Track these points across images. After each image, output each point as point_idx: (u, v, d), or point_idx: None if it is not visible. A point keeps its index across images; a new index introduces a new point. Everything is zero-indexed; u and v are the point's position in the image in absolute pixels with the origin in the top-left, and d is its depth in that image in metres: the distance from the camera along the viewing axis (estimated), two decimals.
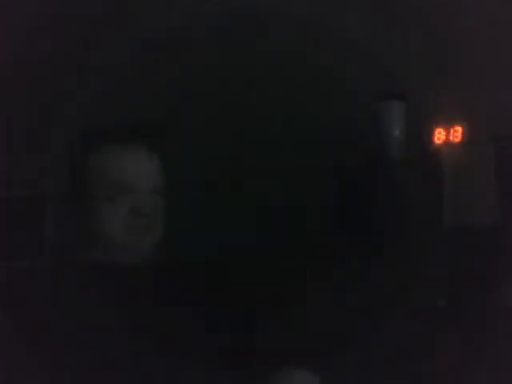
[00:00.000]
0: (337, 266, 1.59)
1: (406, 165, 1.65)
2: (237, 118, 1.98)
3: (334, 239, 1.68)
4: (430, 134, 1.66)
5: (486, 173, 1.52)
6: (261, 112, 1.97)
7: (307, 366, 1.06)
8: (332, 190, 1.74)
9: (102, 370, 1.03)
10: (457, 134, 1.63)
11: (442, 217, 1.55)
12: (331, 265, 1.62)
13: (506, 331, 1.40)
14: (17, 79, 2.07)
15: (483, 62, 1.73)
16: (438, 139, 1.65)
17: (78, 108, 2.02)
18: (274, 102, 1.97)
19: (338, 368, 1.34)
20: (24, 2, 2.07)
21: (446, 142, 1.63)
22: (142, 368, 1.04)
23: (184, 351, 1.06)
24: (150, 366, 1.05)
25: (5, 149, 2.05)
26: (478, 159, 1.54)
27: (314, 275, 1.68)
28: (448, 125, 1.64)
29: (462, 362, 1.42)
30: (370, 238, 1.64)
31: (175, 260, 1.22)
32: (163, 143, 1.26)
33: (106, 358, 1.04)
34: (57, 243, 1.68)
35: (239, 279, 1.25)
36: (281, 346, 1.08)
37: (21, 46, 2.08)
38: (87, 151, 1.21)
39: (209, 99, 2.01)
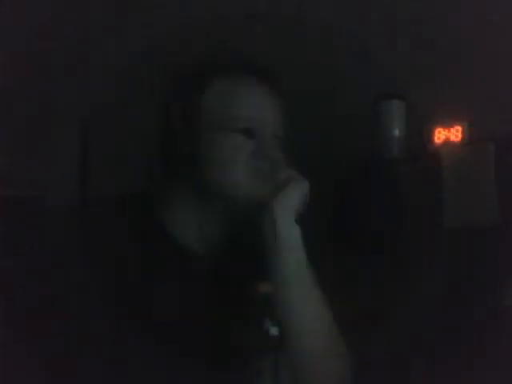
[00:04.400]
0: (337, 266, 1.59)
1: (406, 165, 1.65)
2: None
3: (334, 239, 1.68)
4: (430, 134, 1.66)
5: (486, 173, 1.52)
6: None
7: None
8: (332, 190, 1.74)
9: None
10: (457, 133, 1.63)
11: (441, 217, 1.55)
12: (331, 265, 1.62)
13: (505, 331, 1.40)
14: (17, 79, 2.07)
15: (483, 62, 1.73)
16: (438, 139, 1.65)
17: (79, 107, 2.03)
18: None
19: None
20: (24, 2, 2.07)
21: (446, 142, 1.63)
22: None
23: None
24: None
25: (5, 149, 2.05)
26: (478, 159, 1.54)
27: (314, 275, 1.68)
28: (448, 125, 1.64)
29: (461, 361, 1.42)
30: (369, 238, 1.64)
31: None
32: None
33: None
34: None
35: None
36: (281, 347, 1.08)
37: (21, 45, 2.08)
38: (203, 85, 1.07)
39: None
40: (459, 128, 1.63)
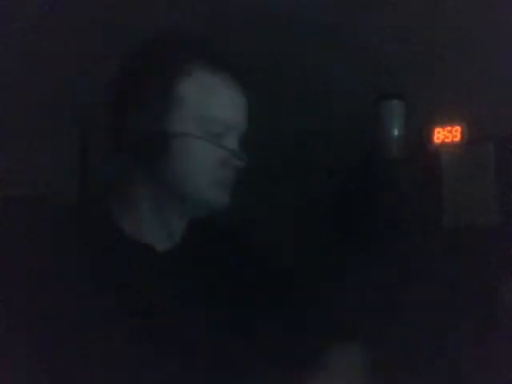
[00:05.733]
0: (336, 265, 1.59)
1: (406, 165, 1.65)
2: None
3: (334, 239, 1.68)
4: (430, 134, 1.66)
5: (486, 173, 1.52)
6: (260, 111, 1.97)
7: (308, 366, 1.06)
8: (331, 190, 1.74)
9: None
10: (457, 133, 1.63)
11: (441, 217, 1.55)
12: (331, 264, 1.62)
13: (505, 331, 1.40)
14: (16, 78, 2.07)
15: (483, 62, 1.73)
16: (438, 139, 1.65)
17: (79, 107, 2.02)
18: (274, 102, 1.97)
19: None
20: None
21: (446, 142, 1.63)
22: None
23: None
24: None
25: (5, 149, 2.05)
26: (478, 159, 1.54)
27: (314, 275, 1.68)
28: (448, 125, 1.64)
29: (461, 361, 1.42)
30: (369, 238, 1.64)
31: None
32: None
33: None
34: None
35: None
36: (280, 347, 1.08)
37: (21, 45, 2.08)
38: (177, 74, 0.95)
39: None
40: (459, 128, 1.63)
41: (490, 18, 1.73)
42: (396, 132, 1.69)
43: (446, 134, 1.64)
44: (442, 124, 1.65)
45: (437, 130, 1.65)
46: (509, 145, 1.53)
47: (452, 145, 1.62)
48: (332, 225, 1.76)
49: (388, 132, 1.69)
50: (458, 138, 1.63)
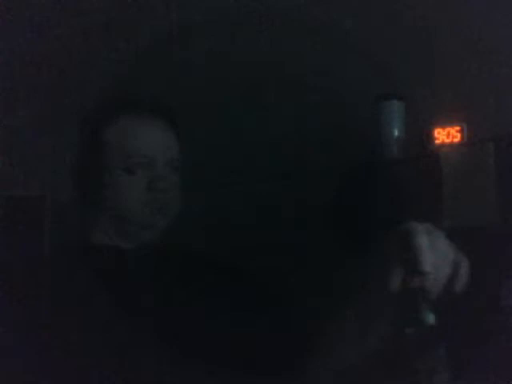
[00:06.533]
0: (336, 265, 1.59)
1: (406, 165, 1.65)
2: (235, 117, 1.99)
3: (334, 239, 1.68)
4: (430, 134, 1.66)
5: (486, 173, 1.52)
6: (260, 111, 1.98)
7: (307, 366, 1.06)
8: (331, 190, 1.74)
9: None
10: (456, 134, 1.63)
11: (441, 217, 1.55)
12: (330, 264, 1.62)
13: (505, 331, 1.40)
14: (16, 78, 2.07)
15: (483, 62, 1.73)
16: (438, 139, 1.65)
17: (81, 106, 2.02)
18: (274, 102, 1.97)
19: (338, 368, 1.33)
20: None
21: (446, 142, 1.63)
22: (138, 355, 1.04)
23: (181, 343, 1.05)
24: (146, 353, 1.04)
25: (5, 149, 2.05)
26: (478, 159, 1.54)
27: (314, 275, 1.68)
28: (448, 125, 1.64)
29: (460, 361, 1.42)
30: (369, 239, 1.64)
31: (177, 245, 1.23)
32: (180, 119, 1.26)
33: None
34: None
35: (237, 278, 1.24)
36: (280, 346, 1.08)
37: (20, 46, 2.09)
38: (104, 123, 1.21)
39: (208, 98, 2.01)
40: (459, 128, 1.63)
41: (490, 17, 1.73)
42: (396, 132, 1.69)
43: (447, 135, 1.64)
44: (442, 124, 1.65)
45: (437, 130, 1.65)
46: (509, 145, 1.52)
47: (452, 145, 1.62)
48: (332, 225, 1.76)
49: (388, 132, 1.69)
50: (458, 139, 1.63)
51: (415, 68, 1.81)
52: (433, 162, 1.59)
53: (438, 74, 1.79)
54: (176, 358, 1.02)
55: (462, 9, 1.78)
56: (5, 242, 1.89)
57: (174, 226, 1.22)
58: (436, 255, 0.87)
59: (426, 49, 1.82)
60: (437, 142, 1.65)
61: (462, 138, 1.62)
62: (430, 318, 0.85)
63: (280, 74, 1.99)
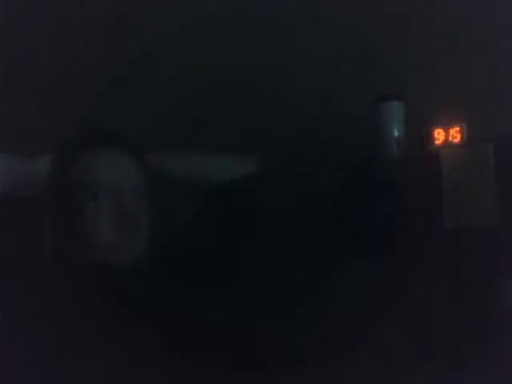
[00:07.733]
0: (336, 265, 1.59)
1: (405, 165, 1.65)
2: (234, 117, 1.99)
3: (334, 239, 1.68)
4: (430, 135, 1.66)
5: (486, 173, 1.52)
6: (260, 112, 1.97)
7: (308, 366, 1.06)
8: (331, 190, 1.74)
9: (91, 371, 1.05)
10: (456, 134, 1.63)
11: (441, 217, 1.55)
12: (331, 264, 1.62)
13: (505, 332, 1.40)
14: (16, 79, 2.06)
15: (483, 62, 1.73)
16: (438, 139, 1.65)
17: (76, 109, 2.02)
18: (274, 102, 1.97)
19: (339, 367, 1.34)
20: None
21: (446, 143, 1.63)
22: (134, 368, 1.06)
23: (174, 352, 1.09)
24: (144, 366, 1.06)
25: (5, 148, 2.05)
26: (478, 159, 1.54)
27: (314, 275, 1.68)
28: (448, 125, 1.64)
29: (461, 362, 1.42)
30: (369, 239, 1.64)
31: (159, 261, 1.27)
32: (147, 145, 1.35)
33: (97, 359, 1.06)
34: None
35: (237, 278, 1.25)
36: (281, 346, 1.08)
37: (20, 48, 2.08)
38: (70, 153, 1.30)
39: (206, 98, 2.01)
40: (459, 129, 1.63)
41: (490, 17, 1.73)
42: (396, 133, 1.69)
43: (446, 135, 1.64)
44: (442, 125, 1.65)
45: (437, 130, 1.65)
46: (508, 146, 1.52)
47: (452, 145, 1.62)
48: (332, 225, 1.76)
49: (388, 133, 1.70)
50: (458, 139, 1.63)
51: (415, 68, 1.81)
52: (433, 162, 1.59)
53: (438, 74, 1.79)
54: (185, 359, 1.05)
55: (462, 9, 1.78)
56: (4, 242, 1.89)
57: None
58: None
59: (426, 49, 1.82)
60: (437, 142, 1.65)
61: (462, 138, 1.62)
62: None
63: (280, 74, 1.99)
